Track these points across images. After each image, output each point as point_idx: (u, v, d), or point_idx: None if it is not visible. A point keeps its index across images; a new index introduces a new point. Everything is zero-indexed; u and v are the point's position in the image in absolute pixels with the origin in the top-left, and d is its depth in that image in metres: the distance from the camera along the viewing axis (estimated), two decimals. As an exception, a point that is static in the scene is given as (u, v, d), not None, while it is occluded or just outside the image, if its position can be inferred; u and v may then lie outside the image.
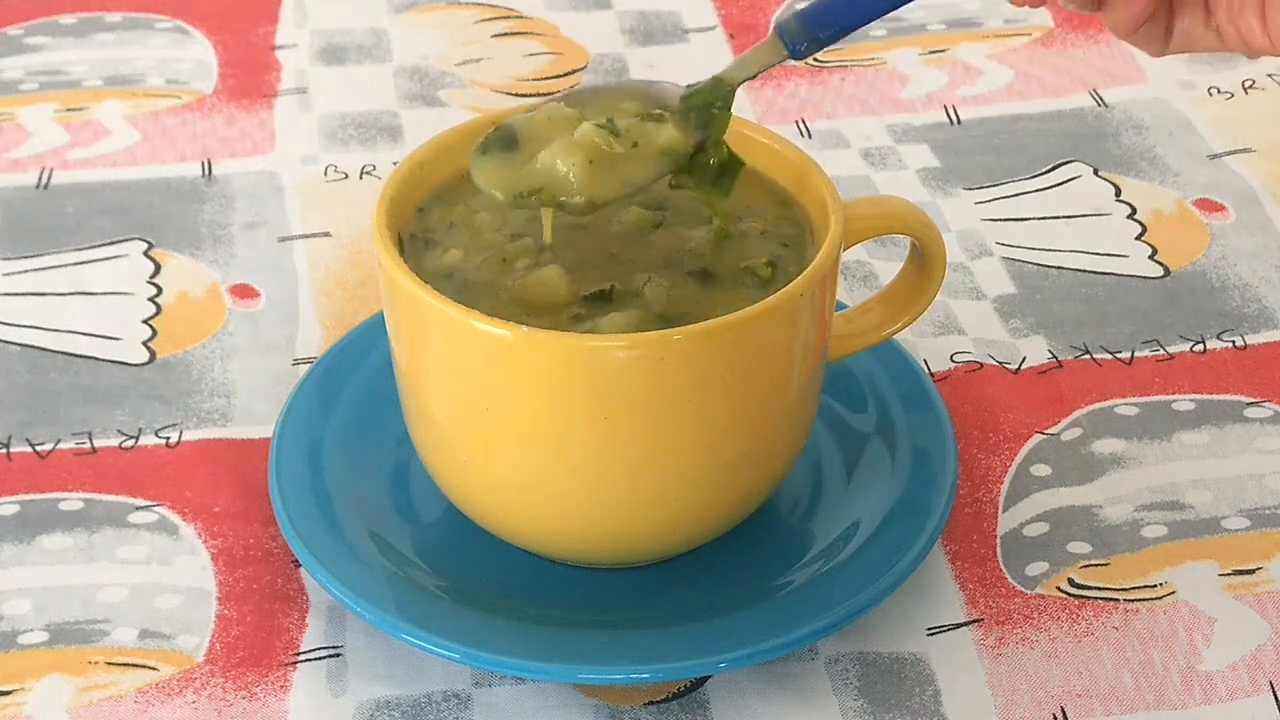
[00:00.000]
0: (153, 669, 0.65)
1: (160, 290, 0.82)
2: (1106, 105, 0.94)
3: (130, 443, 0.74)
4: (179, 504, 0.71)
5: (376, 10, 1.03)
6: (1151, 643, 0.66)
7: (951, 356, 0.78)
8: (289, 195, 0.88)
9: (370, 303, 0.81)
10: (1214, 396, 0.76)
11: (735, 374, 0.62)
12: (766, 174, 0.69)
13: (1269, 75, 0.96)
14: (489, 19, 1.02)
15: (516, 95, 0.95)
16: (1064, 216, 0.87)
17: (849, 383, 0.73)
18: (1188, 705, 0.63)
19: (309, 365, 0.76)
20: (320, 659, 0.65)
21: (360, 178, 0.89)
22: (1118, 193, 0.88)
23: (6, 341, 0.79)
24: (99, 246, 0.85)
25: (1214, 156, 0.90)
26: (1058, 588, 0.68)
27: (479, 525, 0.67)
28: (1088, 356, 0.78)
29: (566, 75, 0.97)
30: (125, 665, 0.65)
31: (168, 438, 0.74)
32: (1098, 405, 0.76)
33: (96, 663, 0.65)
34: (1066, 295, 0.82)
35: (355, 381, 0.73)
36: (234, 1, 1.03)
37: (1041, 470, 0.73)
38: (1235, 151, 0.90)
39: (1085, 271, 0.83)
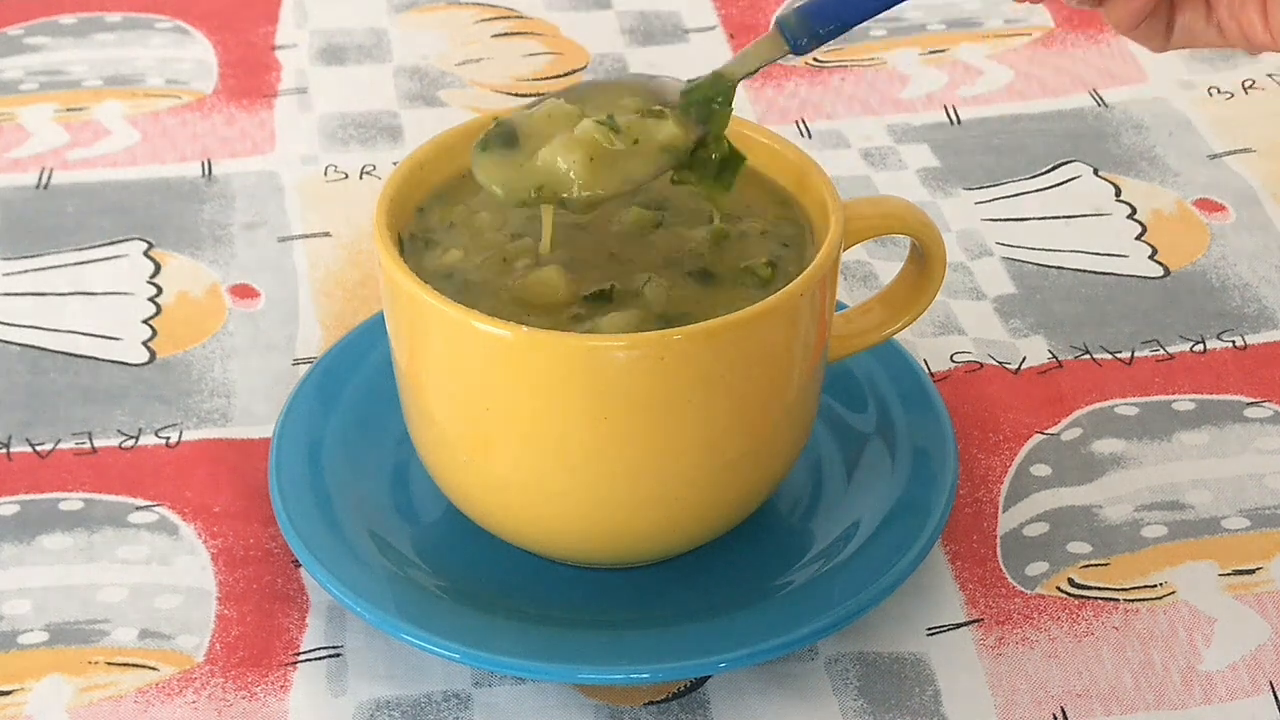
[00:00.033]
0: (153, 669, 0.65)
1: (160, 290, 0.82)
2: (1106, 105, 0.94)
3: (130, 443, 0.74)
4: (179, 504, 0.71)
5: (376, 10, 1.03)
6: (1151, 643, 0.66)
7: (951, 356, 0.78)
8: (289, 195, 0.88)
9: (370, 303, 0.81)
10: (1214, 396, 0.76)
11: (735, 374, 0.62)
12: (766, 174, 0.69)
13: (1269, 75, 0.96)
14: (489, 19, 1.02)
15: (516, 95, 0.95)
16: (1064, 216, 0.87)
17: (849, 383, 0.73)
18: (1188, 705, 0.63)
19: (309, 365, 0.76)
20: (320, 659, 0.65)
21: (360, 178, 0.89)
22: (1118, 193, 0.88)
23: (6, 341, 0.79)
24: (99, 246, 0.85)
25: (1214, 156, 0.90)
26: (1058, 588, 0.68)
27: (479, 525, 0.67)
28: (1088, 356, 0.78)
29: (566, 75, 0.97)
30: (125, 665, 0.65)
31: (168, 438, 0.74)
32: (1098, 405, 0.76)
33: (96, 663, 0.65)
34: (1066, 295, 0.82)
35: (355, 381, 0.73)
36: (234, 1, 1.03)
37: (1041, 470, 0.73)
38: (1235, 151, 0.90)
39: (1085, 271, 0.83)
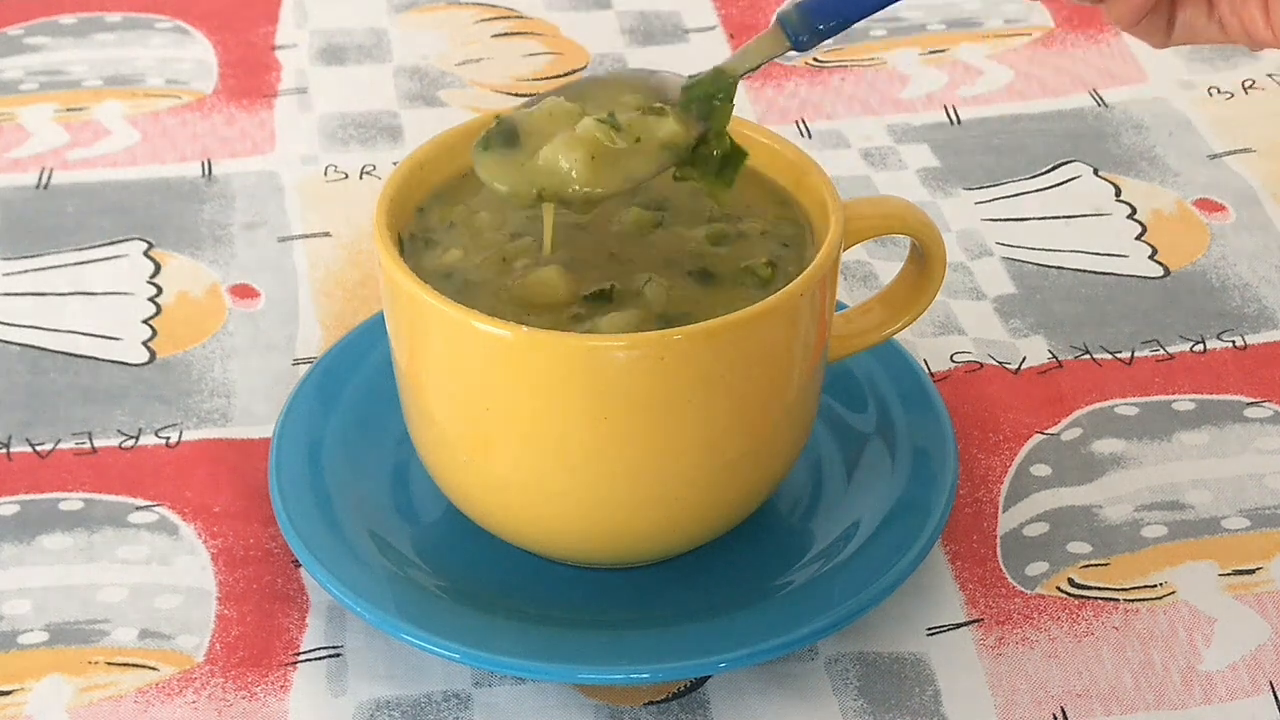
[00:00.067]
0: (153, 669, 0.65)
1: (160, 290, 0.82)
2: (1106, 105, 0.94)
3: (130, 443, 0.74)
4: (179, 504, 0.71)
5: (376, 10, 1.03)
6: (1151, 643, 0.66)
7: (951, 356, 0.78)
8: (289, 195, 0.88)
9: (370, 303, 0.81)
10: (1214, 396, 0.76)
11: (735, 374, 0.62)
12: (766, 174, 0.68)
13: (1269, 75, 0.96)
14: (489, 19, 1.02)
15: (516, 95, 0.95)
16: (1064, 216, 0.87)
17: (849, 383, 0.73)
18: (1188, 705, 0.63)
19: (309, 365, 0.76)
20: (320, 659, 0.65)
21: (360, 178, 0.89)
22: (1118, 193, 0.88)
23: (6, 341, 0.79)
24: (99, 246, 0.85)
25: (1214, 156, 0.90)
26: (1058, 588, 0.68)
27: (479, 525, 0.67)
28: (1088, 356, 0.78)
29: (566, 75, 0.97)
30: (125, 665, 0.65)
31: (168, 438, 0.74)
32: (1098, 405, 0.76)
33: (96, 663, 0.65)
34: (1066, 295, 0.82)
35: (355, 381, 0.73)
36: (234, 1, 1.03)
37: (1041, 470, 0.73)
38: (1235, 151, 0.90)
39: (1085, 271, 0.83)
